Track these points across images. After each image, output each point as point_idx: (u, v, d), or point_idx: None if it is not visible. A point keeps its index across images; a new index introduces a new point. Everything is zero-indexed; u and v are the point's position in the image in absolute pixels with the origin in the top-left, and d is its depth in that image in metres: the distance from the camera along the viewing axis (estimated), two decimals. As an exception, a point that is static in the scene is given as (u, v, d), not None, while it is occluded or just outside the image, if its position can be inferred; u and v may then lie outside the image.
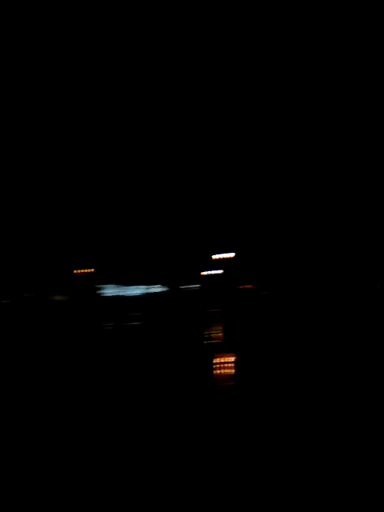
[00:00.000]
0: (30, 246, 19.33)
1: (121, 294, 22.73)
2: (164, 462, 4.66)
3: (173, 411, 6.63)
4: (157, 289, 23.48)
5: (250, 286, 22.91)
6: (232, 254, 22.48)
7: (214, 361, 11.38)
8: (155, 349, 12.98)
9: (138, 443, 5.28)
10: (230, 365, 10.95)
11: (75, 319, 18.39)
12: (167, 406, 6.92)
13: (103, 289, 22.03)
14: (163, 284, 23.67)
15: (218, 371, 10.47)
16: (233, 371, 10.26)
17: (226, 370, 10.41)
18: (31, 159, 16.60)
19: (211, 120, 14.70)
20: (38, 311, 18.85)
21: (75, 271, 21.78)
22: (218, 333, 17.71)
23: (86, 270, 21.73)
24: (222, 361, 11.29)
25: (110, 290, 22.58)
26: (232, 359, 11.37)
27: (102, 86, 12.73)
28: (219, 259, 22.86)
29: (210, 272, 24.27)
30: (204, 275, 24.34)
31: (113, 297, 22.33)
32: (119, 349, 13.25)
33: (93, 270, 21.28)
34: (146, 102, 13.63)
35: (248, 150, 15.73)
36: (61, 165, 17.50)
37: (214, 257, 22.75)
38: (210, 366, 10.76)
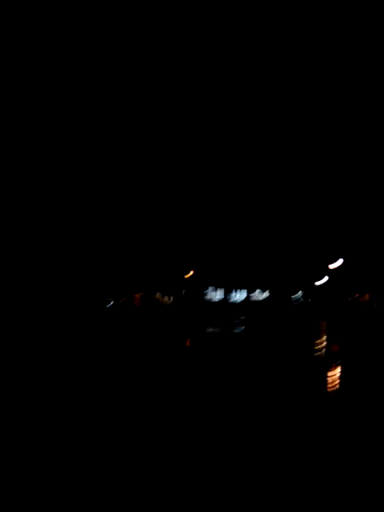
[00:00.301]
0: (140, 248, 19.93)
1: (227, 298, 22.67)
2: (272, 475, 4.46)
3: (276, 423, 6.36)
4: (263, 295, 23.09)
5: (362, 297, 21.67)
6: (340, 262, 21.43)
7: (321, 373, 10.84)
8: (259, 357, 12.66)
9: (244, 455, 5.12)
10: (336, 378, 10.35)
11: (180, 321, 18.62)
12: (271, 416, 6.66)
13: (208, 293, 22.12)
14: (270, 290, 23.21)
15: (325, 384, 9.92)
16: (339, 385, 9.67)
17: (333, 384, 9.85)
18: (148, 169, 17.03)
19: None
20: (145, 311, 19.37)
21: (185, 276, 22.05)
22: (325, 344, 16.89)
23: (191, 274, 21.95)
24: (329, 374, 10.71)
25: (215, 295, 22.61)
26: (338, 373, 10.73)
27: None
28: (333, 269, 21.84)
29: (321, 281, 23.26)
30: (315, 285, 23.37)
31: (219, 301, 22.33)
32: (221, 354, 13.10)
33: (192, 272, 21.40)
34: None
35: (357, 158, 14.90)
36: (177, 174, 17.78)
37: (330, 266, 21.75)
38: (317, 378, 10.25)
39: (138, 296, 20.40)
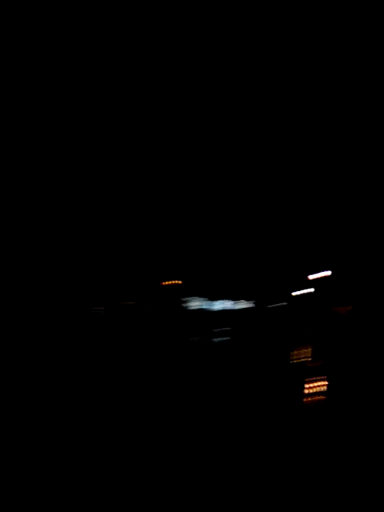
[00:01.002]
0: (122, 254, 19.65)
1: (206, 307, 22.38)
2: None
3: (256, 435, 6.17)
4: (243, 305, 22.82)
5: (344, 308, 21.58)
6: (328, 273, 21.26)
7: (302, 383, 10.72)
8: (240, 366, 12.48)
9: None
10: (318, 388, 10.20)
11: (161, 331, 18.38)
12: (250, 427, 6.46)
13: (189, 301, 21.81)
14: (250, 300, 22.96)
15: (306, 394, 9.76)
16: (321, 396, 9.50)
17: (314, 394, 9.70)
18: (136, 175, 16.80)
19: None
20: (131, 320, 19.03)
21: (163, 283, 21.82)
22: (307, 354, 16.76)
23: (173, 282, 21.71)
24: (310, 384, 10.58)
25: (195, 303, 22.32)
26: (321, 383, 10.58)
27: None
28: (314, 279, 21.67)
29: (302, 292, 23.11)
30: (295, 295, 23.21)
31: (198, 310, 22.04)
32: (203, 364, 12.84)
33: (180, 282, 21.17)
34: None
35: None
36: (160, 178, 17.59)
37: (310, 277, 21.53)
38: (297, 388, 10.12)
39: (125, 304, 20.05)
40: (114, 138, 14.75)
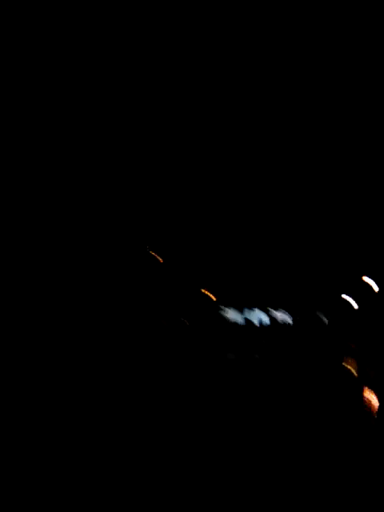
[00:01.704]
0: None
1: (244, 319, 21.39)
2: None
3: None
4: (283, 315, 21.67)
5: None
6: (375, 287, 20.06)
7: (352, 396, 10.16)
8: (284, 381, 11.86)
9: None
10: (371, 401, 9.56)
11: (199, 344, 17.89)
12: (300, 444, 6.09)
13: (226, 312, 21.02)
14: (290, 311, 21.86)
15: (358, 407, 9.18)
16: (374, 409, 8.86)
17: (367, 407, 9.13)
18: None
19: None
20: (171, 331, 18.54)
21: (202, 290, 21.10)
22: (353, 367, 15.91)
23: (210, 295, 21.05)
24: (366, 398, 10.04)
25: (232, 316, 21.30)
26: (372, 396, 9.89)
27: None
28: (368, 285, 20.39)
29: (349, 298, 21.79)
30: (343, 301, 21.83)
31: (236, 323, 21.15)
32: (242, 382, 12.16)
33: (215, 298, 20.52)
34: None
35: None
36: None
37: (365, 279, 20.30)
38: (348, 402, 9.53)
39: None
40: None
